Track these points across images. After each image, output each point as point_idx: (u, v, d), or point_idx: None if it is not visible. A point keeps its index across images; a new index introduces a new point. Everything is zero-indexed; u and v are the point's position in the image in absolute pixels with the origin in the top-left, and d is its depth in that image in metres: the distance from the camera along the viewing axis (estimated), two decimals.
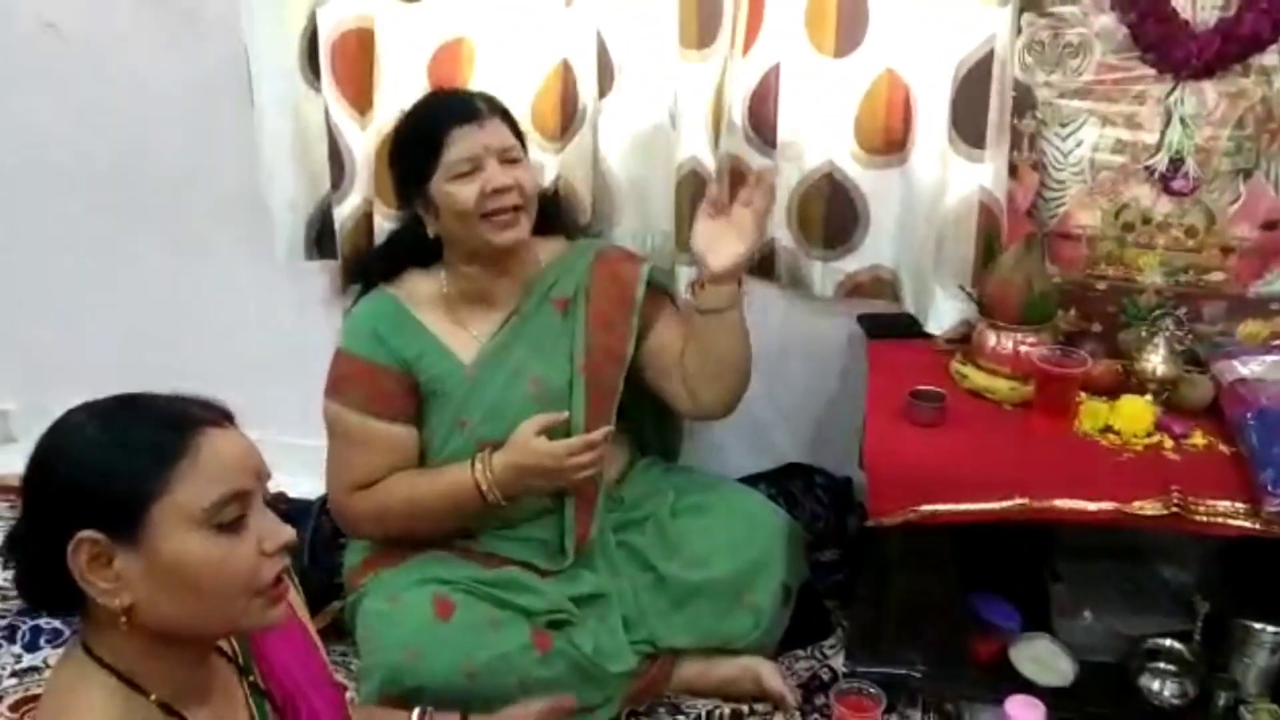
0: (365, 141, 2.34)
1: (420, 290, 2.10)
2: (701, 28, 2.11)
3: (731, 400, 2.16)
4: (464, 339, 2.08)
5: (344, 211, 2.38)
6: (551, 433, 2.01)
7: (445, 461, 2.05)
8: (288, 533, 1.24)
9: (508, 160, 1.99)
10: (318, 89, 2.34)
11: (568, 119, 2.28)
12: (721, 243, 2.02)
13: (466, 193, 1.97)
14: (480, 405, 2.04)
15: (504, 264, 2.06)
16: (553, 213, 2.18)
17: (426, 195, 2.01)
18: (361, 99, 2.31)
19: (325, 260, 2.53)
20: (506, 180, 1.97)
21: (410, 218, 2.10)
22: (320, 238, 2.50)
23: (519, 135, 2.06)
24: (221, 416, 1.24)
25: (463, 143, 1.97)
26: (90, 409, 1.21)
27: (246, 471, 1.22)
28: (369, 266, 2.19)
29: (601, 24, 2.21)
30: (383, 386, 2.04)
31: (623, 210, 2.33)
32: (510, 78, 2.24)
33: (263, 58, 2.34)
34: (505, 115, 2.04)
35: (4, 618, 2.32)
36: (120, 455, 1.16)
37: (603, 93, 2.27)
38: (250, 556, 1.21)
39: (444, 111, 2.02)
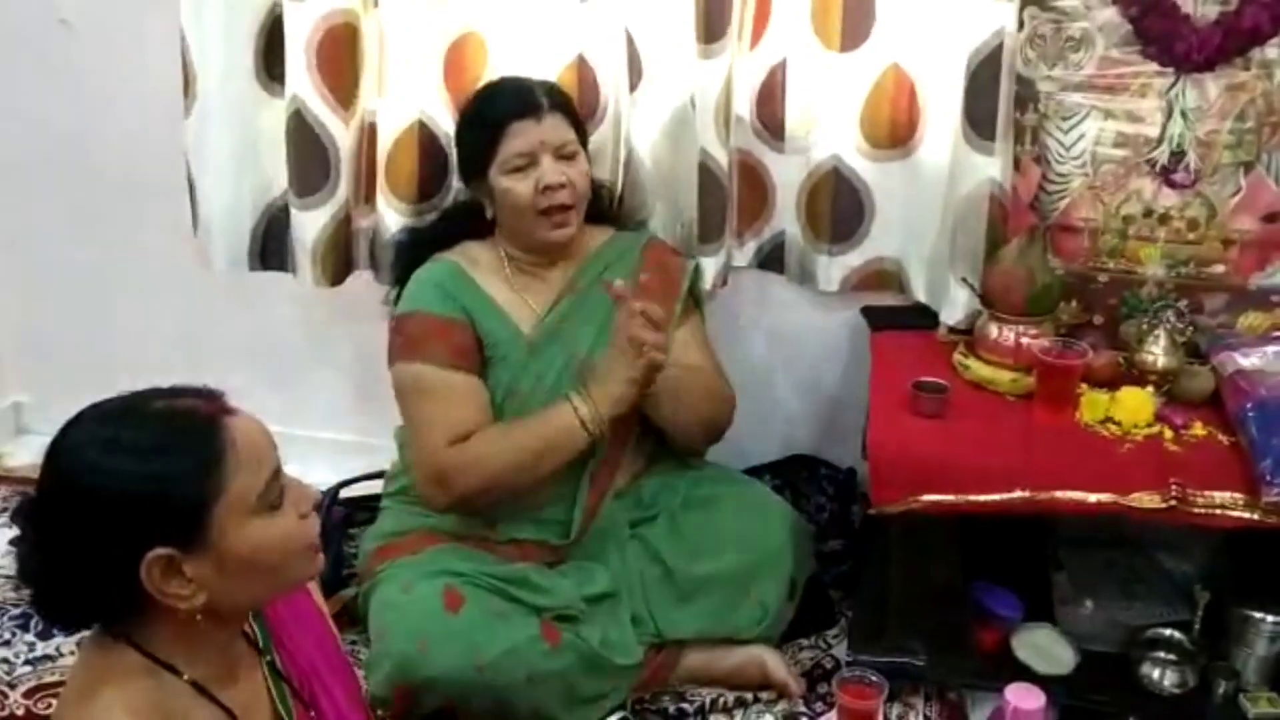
0: (348, 139, 2.31)
1: (479, 259, 2.14)
2: (708, 22, 2.13)
3: (693, 448, 2.25)
4: (524, 310, 2.12)
5: (324, 213, 2.34)
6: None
7: None
8: (314, 491, 1.30)
9: (563, 156, 2.04)
10: (274, 92, 2.30)
11: (587, 114, 2.28)
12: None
13: (521, 187, 2.03)
14: (533, 375, 2.07)
15: (555, 252, 2.12)
16: (601, 205, 2.22)
17: (486, 182, 2.07)
18: (344, 96, 2.27)
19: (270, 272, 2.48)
20: (559, 178, 2.02)
21: (470, 198, 2.17)
22: (267, 247, 2.45)
23: (581, 129, 2.11)
24: (223, 402, 1.25)
25: (520, 137, 2.02)
26: (101, 426, 1.19)
27: (272, 447, 1.25)
28: (425, 237, 2.22)
29: (625, 18, 2.21)
30: (458, 340, 2.06)
31: (652, 203, 2.33)
32: (524, 73, 2.22)
33: (209, 58, 2.29)
34: (566, 108, 2.09)
35: (18, 606, 2.34)
36: (169, 469, 1.16)
37: (631, 86, 2.26)
38: (296, 523, 1.25)
39: (504, 104, 2.07)
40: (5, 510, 2.66)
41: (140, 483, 1.15)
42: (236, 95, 2.34)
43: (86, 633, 1.28)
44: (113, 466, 1.16)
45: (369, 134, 2.35)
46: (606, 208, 2.25)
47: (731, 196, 2.32)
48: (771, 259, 2.40)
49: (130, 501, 1.15)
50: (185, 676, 1.23)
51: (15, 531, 2.45)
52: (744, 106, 2.28)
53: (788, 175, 2.32)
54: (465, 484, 2.02)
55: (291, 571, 1.29)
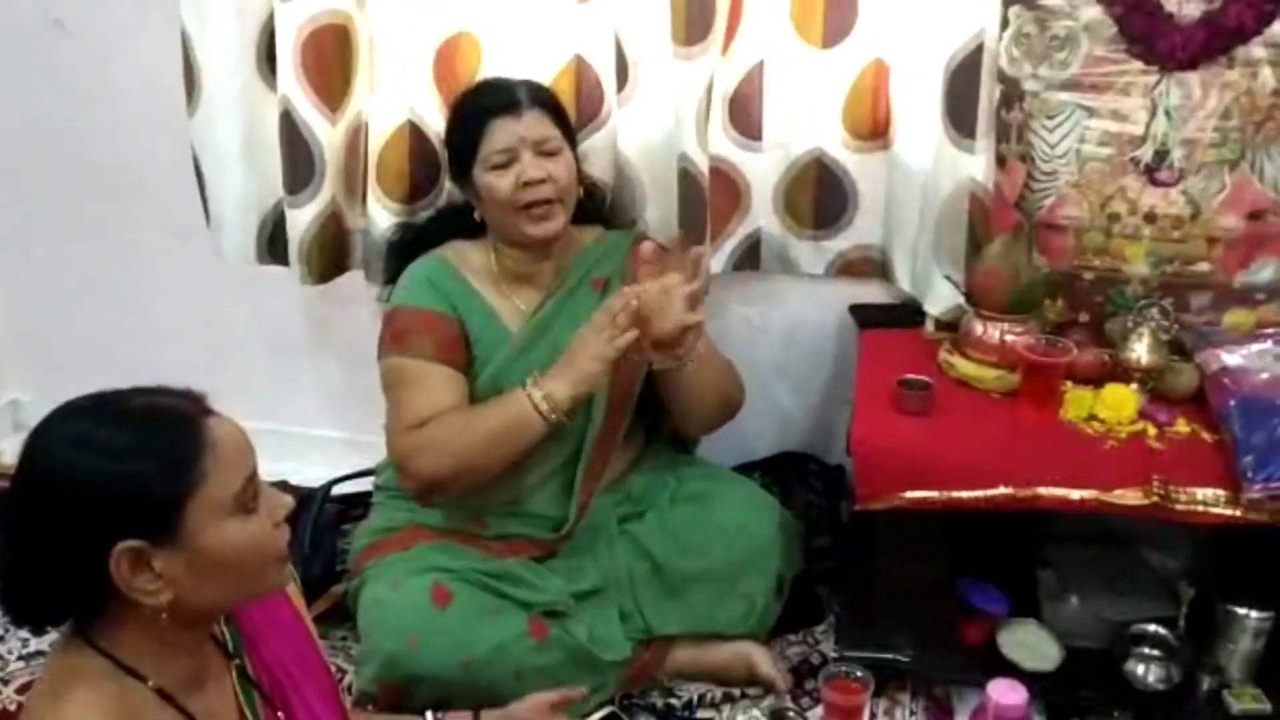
0: (335, 139, 2.32)
1: (470, 258, 2.16)
2: (689, 25, 2.12)
3: (710, 428, 2.26)
4: (511, 309, 2.14)
5: (305, 214, 2.35)
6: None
7: None
8: (288, 501, 1.30)
9: (544, 152, 2.04)
10: (275, 87, 2.31)
11: (584, 115, 2.28)
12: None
13: (502, 184, 2.03)
14: (519, 374, 2.07)
15: (544, 250, 2.12)
16: (592, 205, 2.23)
17: (471, 181, 2.08)
18: (332, 96, 2.28)
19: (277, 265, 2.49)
20: (539, 173, 2.02)
21: (462, 198, 2.19)
22: (273, 241, 2.47)
23: (566, 126, 2.11)
24: (205, 404, 1.26)
25: (499, 134, 2.04)
26: (77, 422, 1.20)
27: (250, 451, 1.26)
28: (418, 235, 2.25)
29: (616, 21, 2.21)
30: (444, 334, 2.07)
31: (642, 206, 2.32)
32: (519, 74, 2.21)
33: (213, 55, 2.30)
34: (548, 105, 2.10)
35: None
36: (147, 461, 1.17)
37: (620, 88, 2.26)
38: (269, 528, 1.26)
39: (485, 102, 2.09)
40: None
41: (115, 476, 1.16)
42: (240, 92, 2.34)
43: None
44: (86, 461, 1.16)
45: (362, 134, 2.36)
46: (597, 207, 2.26)
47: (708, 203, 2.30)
48: (746, 258, 2.40)
49: (104, 494, 1.16)
50: (150, 684, 1.24)
51: None
52: (716, 111, 2.26)
53: (763, 173, 2.32)
54: (424, 466, 2.01)
55: (260, 578, 1.29)
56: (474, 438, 2.00)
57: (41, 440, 1.20)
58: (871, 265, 2.37)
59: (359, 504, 2.41)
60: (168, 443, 1.19)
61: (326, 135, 2.30)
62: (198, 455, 1.19)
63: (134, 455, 1.17)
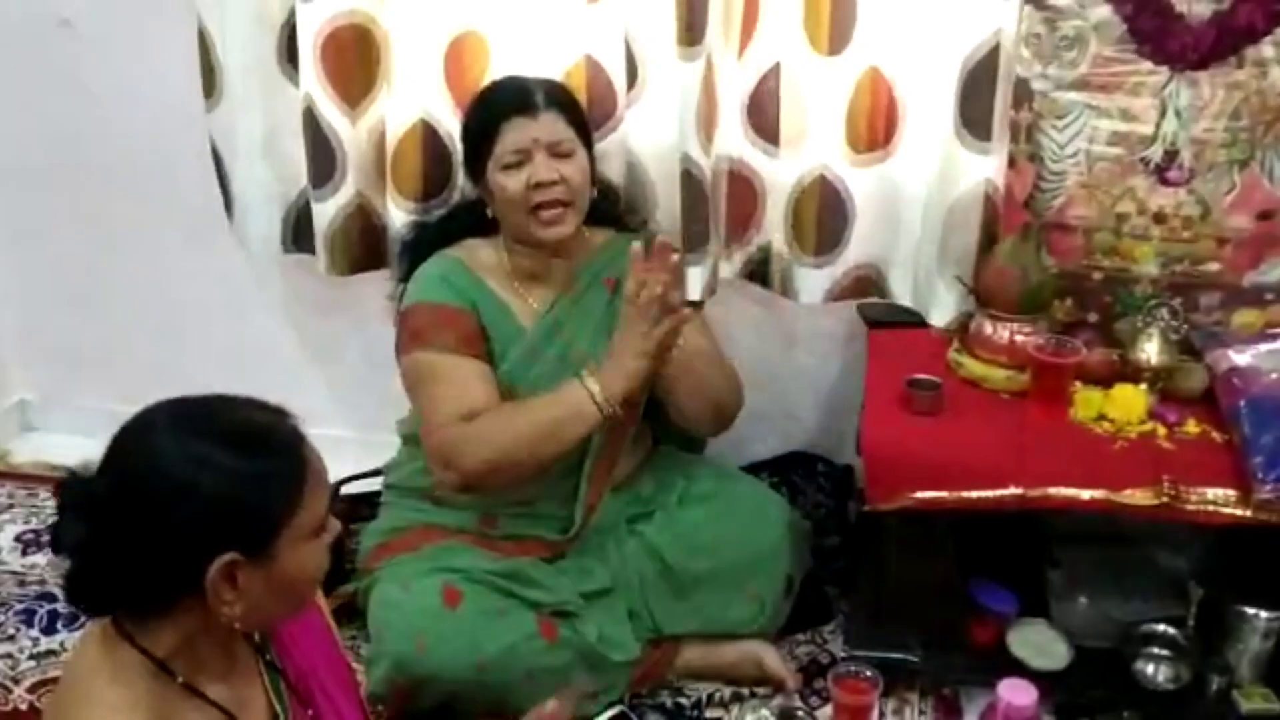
0: (357, 136, 2.33)
1: (482, 257, 2.16)
2: (689, 24, 2.11)
3: (703, 430, 2.26)
4: (524, 308, 2.14)
5: (330, 207, 2.38)
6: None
7: None
8: (336, 525, 1.34)
9: (558, 154, 2.04)
10: (296, 84, 2.33)
11: (595, 116, 2.26)
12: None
13: (513, 184, 2.03)
14: (530, 374, 2.08)
15: (555, 250, 2.12)
16: (606, 206, 2.22)
17: (485, 180, 2.08)
18: (352, 94, 2.30)
19: (303, 255, 2.52)
20: (551, 175, 2.02)
21: (475, 196, 2.19)
22: (298, 231, 2.50)
23: (581, 127, 2.10)
24: (299, 426, 1.29)
25: (512, 134, 2.03)
26: (193, 441, 1.21)
27: (329, 475, 1.31)
28: (431, 234, 2.24)
29: (626, 20, 2.19)
30: (464, 327, 2.07)
31: (653, 207, 2.31)
32: (527, 72, 2.20)
33: (235, 50, 2.34)
34: (564, 106, 2.09)
35: (22, 602, 2.37)
36: (264, 486, 1.22)
37: (629, 88, 2.24)
38: (325, 551, 1.31)
39: (500, 101, 2.09)
40: (11, 507, 2.68)
41: (235, 498, 1.20)
42: (261, 88, 2.37)
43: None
44: (210, 482, 1.19)
45: (381, 132, 2.38)
46: (610, 209, 2.25)
47: (719, 206, 2.29)
48: (757, 272, 2.38)
49: (222, 513, 1.20)
50: (180, 680, 1.26)
51: (20, 528, 2.49)
52: (734, 113, 2.25)
53: (778, 184, 2.29)
54: (474, 459, 1.97)
55: (308, 596, 1.36)
56: (521, 431, 1.98)
57: (151, 451, 1.22)
58: (867, 285, 2.33)
59: (369, 504, 2.41)
60: (281, 467, 1.23)
61: (347, 133, 2.33)
62: (302, 481, 1.24)
63: (253, 480, 1.21)
